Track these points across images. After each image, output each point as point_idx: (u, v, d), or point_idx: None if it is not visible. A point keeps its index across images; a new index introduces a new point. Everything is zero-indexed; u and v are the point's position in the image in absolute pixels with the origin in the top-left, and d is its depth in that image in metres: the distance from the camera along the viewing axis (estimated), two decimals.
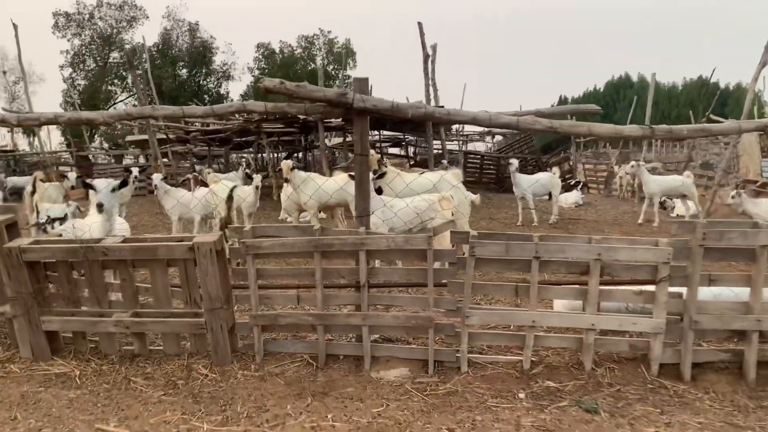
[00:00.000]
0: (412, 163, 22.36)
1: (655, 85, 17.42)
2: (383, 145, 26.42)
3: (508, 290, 3.97)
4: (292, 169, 9.05)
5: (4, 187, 16.04)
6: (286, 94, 3.64)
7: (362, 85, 3.75)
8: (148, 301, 4.50)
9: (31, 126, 3.99)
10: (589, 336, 3.85)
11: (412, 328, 3.96)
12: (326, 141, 29.86)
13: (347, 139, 19.33)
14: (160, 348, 4.29)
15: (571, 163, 21.06)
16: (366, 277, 3.91)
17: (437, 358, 3.96)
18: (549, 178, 12.20)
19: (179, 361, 4.14)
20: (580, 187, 15.10)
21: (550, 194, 12.22)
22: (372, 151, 9.59)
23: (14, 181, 19.51)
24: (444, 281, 3.95)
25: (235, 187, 8.42)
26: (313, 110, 3.91)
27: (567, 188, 15.12)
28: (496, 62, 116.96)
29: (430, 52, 15.67)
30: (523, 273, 3.89)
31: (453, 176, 8.11)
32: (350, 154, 25.23)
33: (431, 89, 16.07)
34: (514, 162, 12.37)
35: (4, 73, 40.74)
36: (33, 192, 9.24)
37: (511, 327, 4.51)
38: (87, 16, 46.40)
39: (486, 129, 28.80)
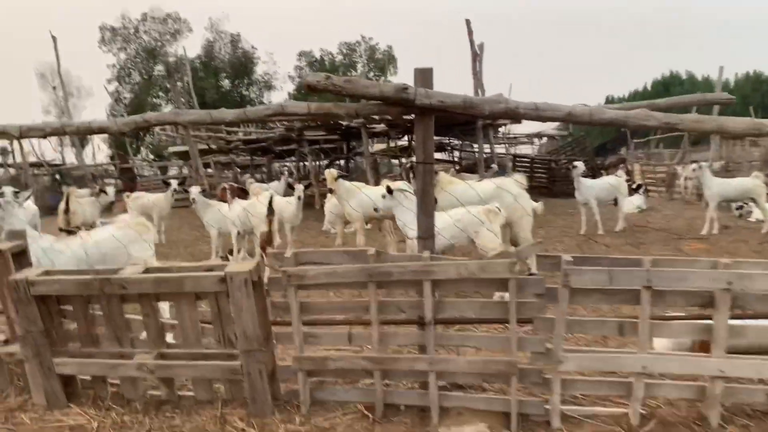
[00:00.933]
0: (458, 168, 21.57)
1: (721, 81, 16.17)
2: None
3: (610, 327, 3.20)
4: (337, 178, 8.43)
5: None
6: (332, 91, 2.98)
7: (425, 77, 3.05)
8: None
9: (35, 137, 3.43)
10: (715, 385, 3.06)
11: (491, 374, 3.23)
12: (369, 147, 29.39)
13: (391, 146, 18.73)
14: (191, 393, 3.67)
15: (628, 165, 19.89)
16: (432, 313, 3.21)
17: (521, 411, 3.22)
18: (616, 182, 11.25)
19: (212, 411, 3.52)
20: (642, 190, 14.05)
21: (615, 200, 11.25)
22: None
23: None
24: (529, 317, 3.22)
25: (272, 197, 7.84)
26: (365, 110, 3.23)
27: (627, 192, 14.08)
28: (533, 61, 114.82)
29: (477, 50, 14.89)
30: (614, 304, 3.13)
31: (513, 183, 7.32)
32: (393, 161, 24.62)
33: (479, 90, 15.27)
34: (579, 165, 11.48)
35: (54, 88, 41.61)
36: (66, 210, 8.81)
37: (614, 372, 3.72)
38: (132, 30, 47.18)
39: (534, 131, 27.83)
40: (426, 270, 3.13)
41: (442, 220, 5.73)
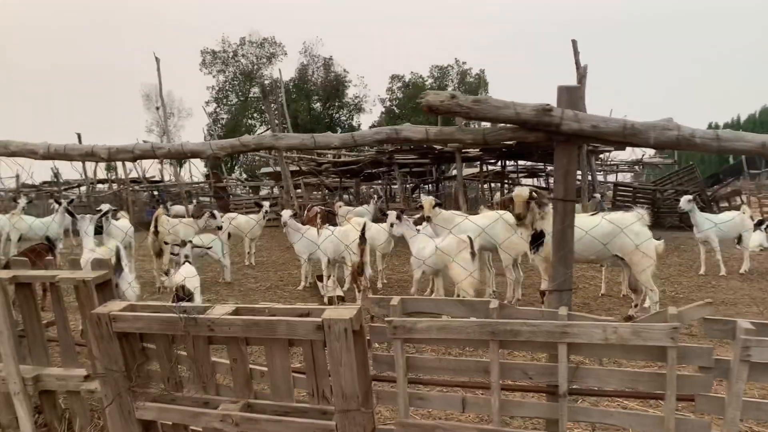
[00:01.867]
0: (552, 196, 20.58)
1: None
2: (519, 175, 24.86)
3: None
4: (435, 206, 7.94)
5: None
6: (457, 113, 2.51)
7: (572, 97, 2.52)
8: (262, 387, 3.49)
9: (124, 160, 3.17)
10: None
11: None
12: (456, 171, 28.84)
13: (484, 170, 18.09)
14: None
15: (743, 196, 18.23)
16: (567, 381, 2.63)
17: None
18: (740, 219, 10.11)
19: None
20: (765, 227, 12.67)
21: (739, 237, 10.08)
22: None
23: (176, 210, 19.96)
24: (690, 394, 2.59)
25: (365, 225, 7.46)
26: (495, 136, 2.72)
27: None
28: (630, 79, 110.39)
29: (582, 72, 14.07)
30: None
31: (634, 217, 6.45)
32: (484, 186, 23.92)
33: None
34: (685, 200, 10.41)
35: (157, 109, 43.81)
36: (156, 232, 8.59)
37: None
38: (231, 53, 49.13)
39: (635, 157, 26.34)
40: (563, 331, 2.56)
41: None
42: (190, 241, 8.08)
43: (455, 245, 6.59)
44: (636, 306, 6.72)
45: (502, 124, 2.64)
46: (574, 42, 12.07)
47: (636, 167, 26.46)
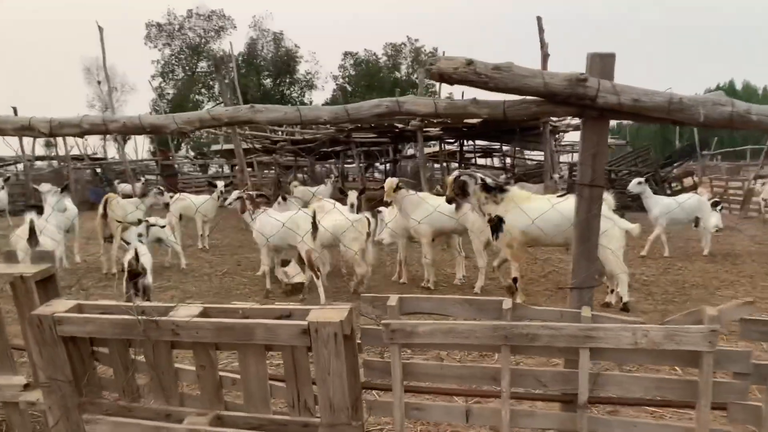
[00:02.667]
0: (509, 176, 20.54)
1: None
2: (476, 155, 24.75)
3: None
4: (397, 189, 7.54)
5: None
6: (473, 83, 2.14)
7: (606, 66, 2.18)
8: (234, 397, 3.10)
9: (69, 135, 2.69)
10: None
11: None
12: (413, 150, 28.51)
13: (445, 148, 17.79)
14: None
15: (695, 178, 18.56)
16: (588, 390, 2.34)
17: None
18: (696, 201, 10.05)
19: None
20: (719, 208, 12.82)
21: (696, 220, 10.06)
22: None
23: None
24: (722, 402, 2.34)
25: (315, 213, 7.08)
26: (518, 111, 2.36)
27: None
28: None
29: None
30: None
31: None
32: (435, 165, 23.68)
33: None
34: (635, 183, 10.40)
35: (99, 83, 41.81)
36: (104, 215, 8.11)
37: None
38: (177, 26, 47.26)
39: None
40: (589, 335, 2.26)
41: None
42: (146, 220, 7.51)
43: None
44: (612, 292, 6.61)
45: (525, 97, 2.28)
46: (539, 18, 11.83)
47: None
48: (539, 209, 5.91)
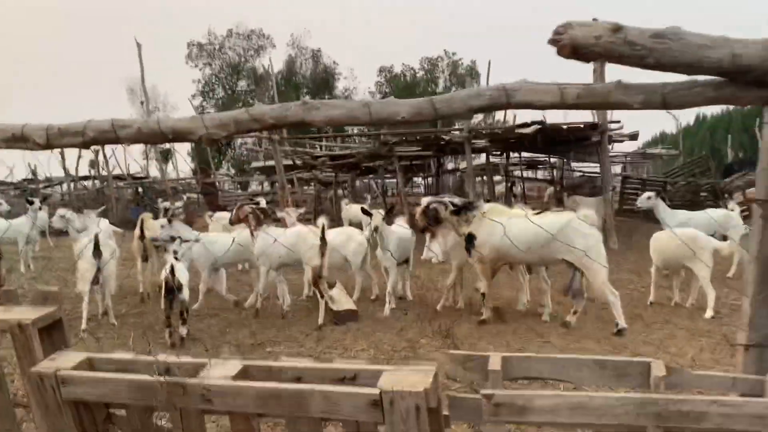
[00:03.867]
0: (559, 188, 19.66)
1: None
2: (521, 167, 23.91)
3: None
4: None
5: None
6: (622, 58, 1.50)
7: None
8: None
9: (70, 145, 2.15)
10: None
11: None
12: (453, 164, 27.85)
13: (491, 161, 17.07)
14: None
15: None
16: None
17: None
18: (722, 216, 8.73)
19: None
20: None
21: (725, 237, 8.63)
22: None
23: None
24: None
25: (324, 227, 6.66)
26: (685, 97, 1.70)
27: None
28: None
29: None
30: None
31: (581, 220, 6.02)
32: (477, 179, 22.86)
33: None
34: (644, 198, 9.69)
35: (142, 103, 42.36)
36: (141, 237, 7.78)
37: None
38: (218, 46, 47.76)
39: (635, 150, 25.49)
40: None
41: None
42: (179, 237, 7.13)
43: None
44: (575, 313, 6.22)
45: (695, 78, 1.63)
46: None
47: (634, 158, 25.59)
48: (511, 226, 5.82)
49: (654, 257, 6.99)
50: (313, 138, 22.52)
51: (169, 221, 7.54)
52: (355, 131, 20.48)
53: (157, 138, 2.17)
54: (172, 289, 5.93)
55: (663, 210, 9.30)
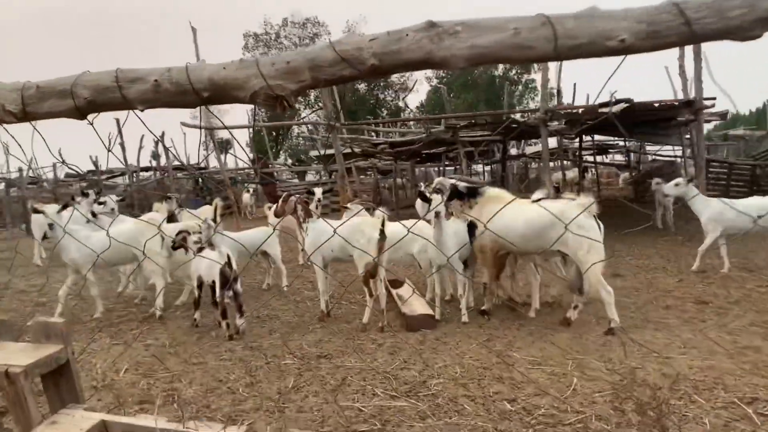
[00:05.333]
0: (635, 173, 18.31)
1: None
2: (587, 152, 22.49)
3: None
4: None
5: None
6: None
7: None
8: None
9: (56, 115, 1.40)
10: None
11: None
12: (516, 150, 26.60)
13: (564, 144, 15.93)
14: None
15: None
16: None
17: None
18: (762, 203, 7.56)
19: None
20: None
21: None
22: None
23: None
24: None
25: (384, 218, 5.89)
26: None
27: None
28: None
29: None
30: None
31: (576, 209, 5.45)
32: (567, 163, 21.63)
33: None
34: (672, 185, 8.60)
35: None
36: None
37: None
38: (273, 36, 47.61)
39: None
40: None
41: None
42: (206, 220, 6.79)
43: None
44: (576, 308, 5.82)
45: None
46: None
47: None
48: (506, 215, 5.44)
49: None
50: (368, 125, 21.84)
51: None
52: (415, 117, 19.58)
53: (186, 98, 1.44)
54: (229, 279, 5.81)
55: (697, 198, 8.20)
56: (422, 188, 7.79)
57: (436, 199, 6.08)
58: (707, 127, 23.23)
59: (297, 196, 6.72)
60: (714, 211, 7.91)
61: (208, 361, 5.14)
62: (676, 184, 8.51)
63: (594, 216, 5.60)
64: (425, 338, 5.46)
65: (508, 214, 5.53)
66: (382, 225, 5.87)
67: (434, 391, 4.19)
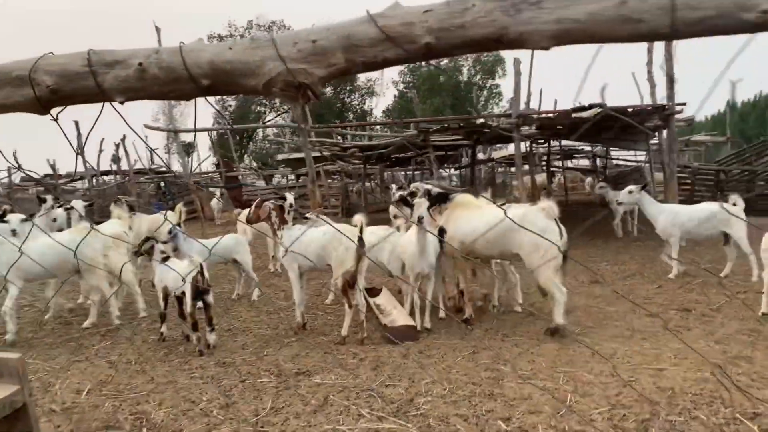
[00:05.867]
0: (602, 178, 18.44)
1: None
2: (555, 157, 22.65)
3: None
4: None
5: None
6: None
7: None
8: None
9: (10, 109, 1.10)
10: None
11: None
12: (483, 155, 26.62)
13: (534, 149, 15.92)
14: None
15: None
16: None
17: None
18: (713, 212, 7.68)
19: None
20: None
21: (726, 236, 7.75)
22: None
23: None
24: None
25: (363, 225, 5.58)
26: None
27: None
28: None
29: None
30: None
31: (538, 212, 5.60)
32: (511, 169, 21.59)
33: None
34: (626, 192, 8.55)
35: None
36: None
37: None
38: (238, 37, 46.90)
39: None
40: None
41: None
42: (171, 228, 6.54)
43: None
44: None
45: None
46: None
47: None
48: (472, 220, 5.70)
49: None
50: (340, 128, 21.55)
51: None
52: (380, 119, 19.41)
53: (180, 87, 1.15)
54: (202, 290, 5.46)
55: (650, 204, 8.23)
56: (401, 193, 7.58)
57: (419, 204, 5.87)
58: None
59: (272, 202, 6.41)
60: (668, 218, 7.95)
61: (178, 379, 4.80)
62: (630, 192, 8.51)
63: (555, 219, 5.60)
64: (409, 351, 5.21)
65: (474, 218, 5.74)
66: (361, 232, 5.61)
67: (423, 411, 3.94)
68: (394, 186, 14.24)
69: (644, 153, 18.71)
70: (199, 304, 5.48)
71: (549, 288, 5.55)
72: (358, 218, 5.98)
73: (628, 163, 21.72)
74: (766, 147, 17.05)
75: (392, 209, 8.59)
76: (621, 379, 4.31)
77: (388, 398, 4.18)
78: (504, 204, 6.30)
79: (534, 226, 5.30)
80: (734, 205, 7.52)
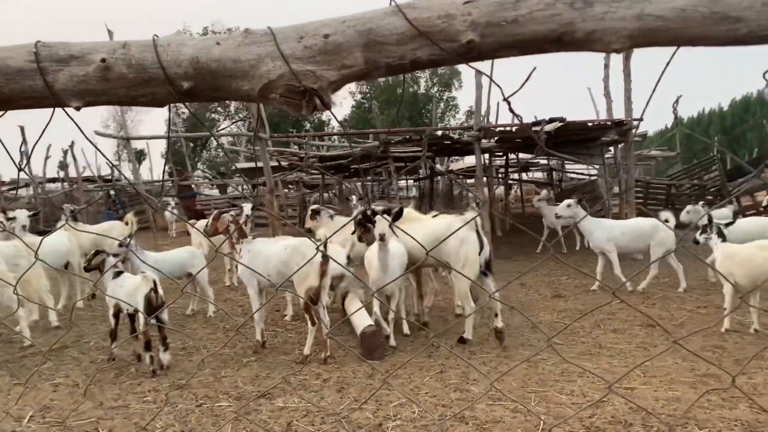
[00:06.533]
0: (559, 191, 18.68)
1: None
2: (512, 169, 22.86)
3: None
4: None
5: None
6: None
7: None
8: None
9: None
10: None
11: None
12: (440, 166, 26.67)
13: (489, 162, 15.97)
14: None
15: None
16: None
17: None
18: (650, 227, 7.84)
19: None
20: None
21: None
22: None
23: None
24: None
25: (327, 239, 5.37)
26: None
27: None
28: None
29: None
30: None
31: (460, 222, 5.59)
32: (468, 181, 21.72)
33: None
34: (564, 206, 8.84)
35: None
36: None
37: None
38: None
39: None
40: None
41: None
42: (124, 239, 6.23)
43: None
44: (497, 316, 5.74)
45: None
46: None
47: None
48: (416, 232, 5.70)
49: (737, 275, 5.81)
50: (300, 137, 21.29)
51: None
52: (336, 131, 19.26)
53: (153, 90, 0.93)
54: (156, 307, 5.12)
55: (586, 219, 8.36)
56: (364, 210, 7.40)
57: (380, 221, 5.70)
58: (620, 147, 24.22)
59: (230, 214, 6.13)
60: (602, 233, 8.02)
61: (130, 403, 4.48)
62: (568, 206, 8.61)
63: (477, 230, 5.76)
64: (374, 371, 5.02)
65: (418, 230, 5.83)
66: (325, 247, 5.40)
67: None
68: (354, 197, 14.05)
69: (598, 167, 19.06)
70: (152, 321, 5.19)
71: (461, 299, 5.78)
72: (322, 232, 5.77)
73: (582, 177, 22.12)
74: (714, 162, 17.56)
75: (308, 221, 8.55)
76: (592, 400, 4.23)
77: (355, 423, 3.98)
78: (437, 215, 6.45)
79: (456, 236, 5.53)
80: (666, 221, 7.63)
